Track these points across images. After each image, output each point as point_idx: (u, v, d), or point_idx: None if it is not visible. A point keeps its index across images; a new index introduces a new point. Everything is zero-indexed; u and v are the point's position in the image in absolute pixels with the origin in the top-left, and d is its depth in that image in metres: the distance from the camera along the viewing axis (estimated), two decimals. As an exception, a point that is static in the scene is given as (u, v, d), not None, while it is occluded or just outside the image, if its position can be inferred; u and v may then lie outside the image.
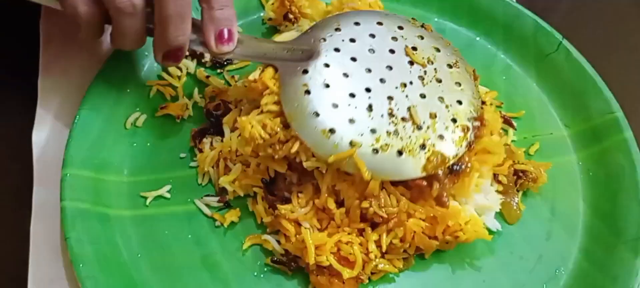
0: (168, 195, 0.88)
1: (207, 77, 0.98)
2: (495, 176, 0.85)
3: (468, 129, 0.78)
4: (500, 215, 0.86)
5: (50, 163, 0.91)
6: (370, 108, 0.77)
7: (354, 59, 0.80)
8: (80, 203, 0.83)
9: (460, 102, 0.79)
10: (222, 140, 0.90)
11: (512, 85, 0.99)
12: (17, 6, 1.06)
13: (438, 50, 0.83)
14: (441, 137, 0.77)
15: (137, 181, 0.89)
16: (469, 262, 0.83)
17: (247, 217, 0.86)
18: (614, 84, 0.94)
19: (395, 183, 0.79)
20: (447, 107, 0.78)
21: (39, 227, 0.86)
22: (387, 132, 0.76)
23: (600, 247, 0.83)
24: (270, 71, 0.83)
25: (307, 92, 0.78)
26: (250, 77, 0.85)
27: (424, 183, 0.77)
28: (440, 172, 0.77)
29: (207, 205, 0.87)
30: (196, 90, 0.97)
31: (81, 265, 0.78)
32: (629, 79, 1.05)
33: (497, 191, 0.85)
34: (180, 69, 0.99)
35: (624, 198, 0.85)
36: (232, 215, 0.85)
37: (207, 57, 1.01)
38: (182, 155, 0.92)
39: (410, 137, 0.76)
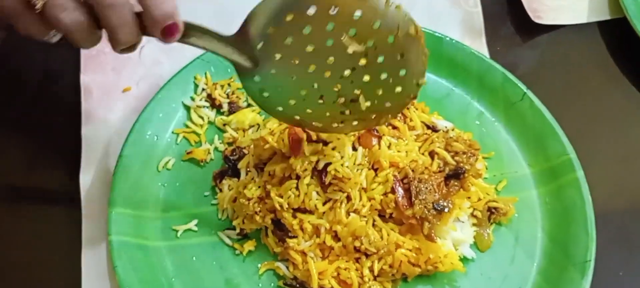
0: (195, 228, 1.04)
1: (224, 125, 1.15)
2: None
3: (415, 96, 0.83)
4: (474, 244, 1.01)
5: (96, 202, 1.07)
6: (323, 102, 0.83)
7: (297, 58, 0.77)
8: (123, 236, 0.99)
9: (404, 71, 0.78)
10: (238, 181, 1.06)
11: (484, 129, 1.13)
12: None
13: (378, 23, 0.73)
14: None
15: (170, 216, 1.05)
16: (447, 282, 0.98)
17: (262, 246, 1.01)
18: (571, 130, 1.08)
19: (387, 219, 0.96)
20: (391, 80, 0.79)
21: (89, 257, 1.03)
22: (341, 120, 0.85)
23: (554, 268, 0.97)
24: (269, 127, 1.01)
25: (263, 95, 0.83)
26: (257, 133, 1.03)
27: (415, 221, 0.93)
28: (428, 213, 0.93)
29: (228, 237, 1.02)
30: (216, 136, 1.14)
31: (127, 290, 0.94)
32: (585, 125, 1.18)
33: (473, 224, 1.01)
34: (203, 118, 1.16)
35: (575, 228, 0.99)
36: (249, 245, 1.00)
37: (225, 106, 1.17)
38: (206, 193, 1.08)
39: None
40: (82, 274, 1.01)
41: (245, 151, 1.08)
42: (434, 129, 1.02)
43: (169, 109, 1.15)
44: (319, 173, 0.95)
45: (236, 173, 1.07)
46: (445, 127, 1.06)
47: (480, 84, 1.18)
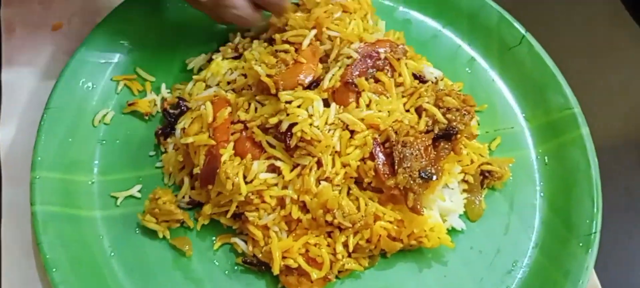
0: (139, 195, 0.89)
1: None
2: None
3: None
4: (464, 213, 0.89)
5: (19, 161, 0.90)
6: None
7: None
8: (50, 206, 0.83)
9: None
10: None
11: (475, 79, 1.00)
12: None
13: None
14: None
15: (107, 181, 0.89)
16: (432, 258, 0.86)
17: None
18: (576, 84, 0.96)
19: (365, 188, 0.82)
20: None
21: (10, 229, 0.87)
22: None
23: (555, 241, 0.86)
24: None
25: None
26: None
27: (398, 192, 0.80)
28: (413, 183, 0.79)
29: (178, 205, 0.87)
30: (164, 85, 0.97)
31: (54, 270, 0.79)
32: (591, 82, 1.06)
33: (463, 190, 0.89)
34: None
35: (578, 194, 0.88)
36: (203, 218, 0.86)
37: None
38: (151, 153, 0.92)
39: None
40: (1, 249, 0.86)
41: (188, 105, 0.92)
42: (422, 80, 0.91)
43: (107, 51, 0.97)
44: (283, 136, 0.79)
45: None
46: (434, 77, 0.92)
47: (472, 25, 1.03)
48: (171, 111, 0.92)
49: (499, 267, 0.86)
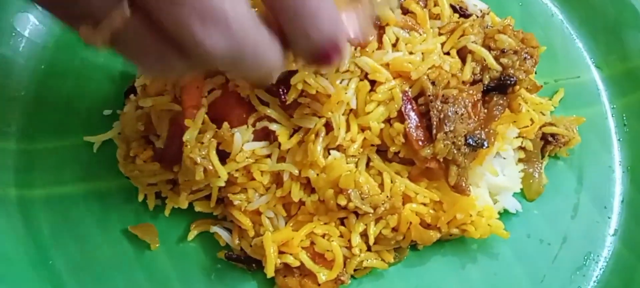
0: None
1: None
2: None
3: None
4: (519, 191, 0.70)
5: None
6: None
7: None
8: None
9: None
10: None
11: (529, 14, 0.80)
12: None
13: None
14: None
15: (43, 150, 0.71)
16: (478, 251, 0.67)
17: (192, 196, 0.69)
18: None
19: (391, 158, 0.63)
20: None
21: None
22: None
23: None
24: None
25: None
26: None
27: (436, 165, 0.60)
28: (457, 153, 0.58)
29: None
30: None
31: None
32: None
33: (519, 160, 0.70)
34: None
35: None
36: (173, 200, 0.65)
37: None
38: (107, 112, 0.73)
39: None
40: None
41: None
42: (464, 13, 0.71)
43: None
44: (277, 89, 0.58)
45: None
46: (479, 11, 0.72)
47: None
48: None
49: (566, 262, 0.68)
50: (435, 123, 0.60)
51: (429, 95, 0.61)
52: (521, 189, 0.70)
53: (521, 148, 0.70)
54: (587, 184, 0.72)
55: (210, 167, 0.58)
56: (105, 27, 0.40)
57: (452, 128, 0.60)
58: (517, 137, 0.68)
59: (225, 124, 0.60)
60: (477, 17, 0.71)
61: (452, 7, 0.71)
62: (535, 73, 0.73)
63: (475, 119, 0.61)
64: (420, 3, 0.67)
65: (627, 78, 0.75)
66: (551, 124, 0.70)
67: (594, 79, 0.77)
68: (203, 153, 0.59)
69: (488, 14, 0.73)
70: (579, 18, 0.80)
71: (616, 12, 0.78)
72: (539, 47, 0.71)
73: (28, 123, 0.71)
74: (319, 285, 0.63)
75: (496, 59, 0.64)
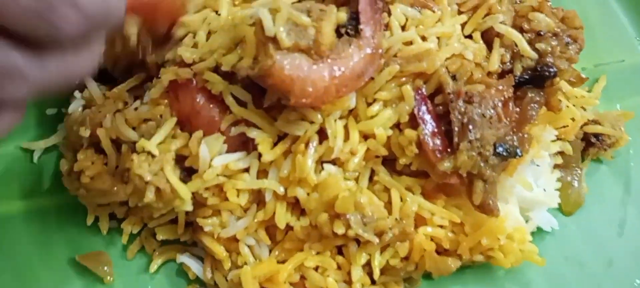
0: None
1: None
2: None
3: None
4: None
5: None
6: None
7: None
8: None
9: None
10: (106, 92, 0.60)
11: None
12: None
13: None
14: None
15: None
16: (506, 278, 0.58)
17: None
18: None
19: (401, 171, 0.53)
20: None
21: None
22: None
23: None
24: None
25: None
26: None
27: (457, 180, 0.50)
28: (484, 165, 0.47)
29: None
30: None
31: None
32: None
33: (556, 165, 0.60)
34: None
35: None
36: (131, 223, 0.54)
37: None
38: (50, 111, 0.63)
39: None
40: None
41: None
42: None
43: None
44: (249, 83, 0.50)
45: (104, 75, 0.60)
46: None
47: None
48: None
49: None
50: (456, 129, 0.50)
51: (449, 93, 0.51)
52: (559, 204, 0.59)
53: (559, 152, 0.58)
54: (636, 193, 0.64)
55: (165, 187, 0.47)
56: None
57: (478, 135, 0.49)
58: (555, 140, 0.57)
59: (196, 134, 0.49)
60: None
61: None
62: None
63: (507, 122, 0.50)
64: None
65: None
66: (595, 122, 0.61)
67: None
68: (155, 168, 0.47)
69: None
70: None
71: None
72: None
73: None
74: None
75: (530, 43, 0.55)
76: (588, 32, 0.65)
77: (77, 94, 0.62)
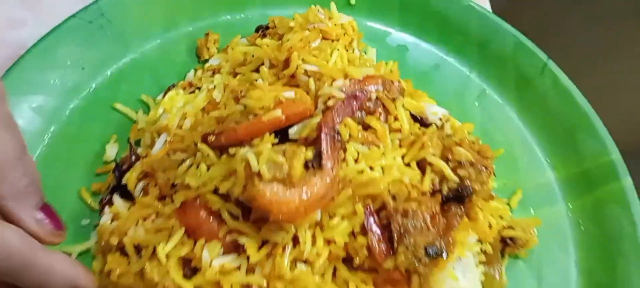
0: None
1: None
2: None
3: None
4: (479, 292, 0.71)
5: None
6: None
7: None
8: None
9: None
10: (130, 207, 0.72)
11: (488, 116, 0.83)
12: None
13: None
14: None
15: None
16: None
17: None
18: (609, 118, 0.79)
19: (357, 268, 0.64)
20: None
21: None
22: None
23: None
24: None
25: None
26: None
27: (398, 275, 0.63)
28: (418, 264, 0.61)
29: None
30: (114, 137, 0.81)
31: None
32: (626, 111, 0.88)
33: (480, 262, 0.71)
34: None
35: (625, 266, 0.70)
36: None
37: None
38: (84, 222, 0.74)
39: None
40: None
41: (142, 153, 0.77)
42: (423, 122, 0.74)
43: (35, 88, 0.80)
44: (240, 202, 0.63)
45: (127, 194, 0.73)
46: (439, 118, 0.75)
47: (483, 52, 0.86)
48: (121, 167, 0.74)
49: None
50: (396, 237, 0.62)
51: (390, 210, 0.63)
52: None
53: (483, 251, 0.71)
54: (546, 285, 0.72)
55: (170, 285, 0.60)
56: None
57: (412, 241, 0.62)
58: (476, 242, 0.70)
59: (200, 242, 0.64)
60: (437, 126, 0.73)
61: (412, 116, 0.73)
62: (494, 175, 0.76)
63: (435, 230, 0.63)
64: (381, 118, 0.69)
65: (582, 180, 0.77)
66: (510, 227, 0.72)
67: (551, 180, 0.79)
68: (164, 271, 0.61)
69: (448, 121, 0.75)
70: (534, 121, 0.83)
71: (568, 117, 0.80)
72: (498, 151, 0.75)
73: None
74: None
75: (454, 170, 0.67)
76: (509, 155, 0.80)
77: (106, 209, 0.75)
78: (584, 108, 0.79)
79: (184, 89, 0.80)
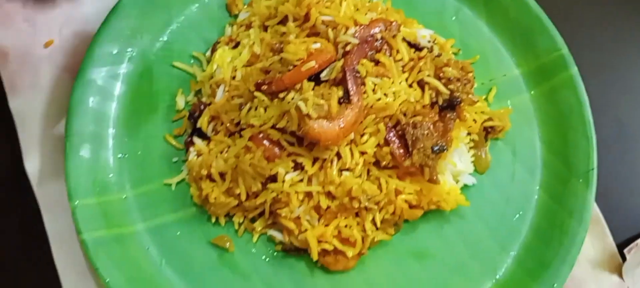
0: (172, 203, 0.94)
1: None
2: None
3: None
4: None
5: (51, 190, 0.95)
6: None
7: None
8: (95, 232, 0.89)
9: None
10: (207, 144, 0.94)
11: (464, 29, 1.03)
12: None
13: None
14: None
15: (139, 194, 0.94)
16: (450, 215, 0.93)
17: (252, 210, 0.93)
18: (559, 18, 0.99)
19: (383, 168, 0.88)
20: None
21: (60, 255, 0.92)
22: None
23: (557, 182, 0.93)
24: None
25: None
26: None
27: (414, 169, 0.86)
28: (427, 159, 0.85)
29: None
30: (181, 89, 1.01)
31: (116, 293, 0.86)
32: (573, 11, 1.09)
33: (470, 148, 0.94)
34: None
35: (574, 135, 0.94)
36: (238, 217, 0.93)
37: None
38: (174, 159, 0.96)
39: None
40: (59, 275, 0.92)
41: (206, 101, 0.96)
42: (417, 47, 0.94)
43: (110, 64, 0.98)
44: (293, 133, 0.86)
45: (202, 134, 0.95)
46: (428, 41, 0.95)
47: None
48: (194, 114, 0.95)
49: (509, 214, 0.94)
50: (410, 143, 0.85)
51: (403, 125, 0.86)
52: (474, 169, 0.94)
53: (472, 140, 0.94)
54: (519, 156, 0.95)
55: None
56: None
57: (422, 145, 0.85)
58: (466, 135, 0.92)
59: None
60: (428, 49, 0.93)
61: (407, 42, 0.93)
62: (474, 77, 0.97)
63: (437, 133, 0.87)
64: (387, 53, 0.90)
65: (540, 72, 0.98)
66: (489, 119, 0.94)
67: (516, 75, 0.99)
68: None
69: (435, 41, 0.96)
70: (500, 29, 1.01)
71: (527, 22, 0.99)
72: (474, 58, 0.97)
73: (126, 177, 0.94)
74: (348, 258, 0.88)
75: (445, 85, 0.88)
76: (483, 59, 0.99)
77: (191, 148, 0.94)
78: (537, 13, 0.98)
79: (227, 44, 1.00)
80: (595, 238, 0.93)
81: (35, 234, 0.93)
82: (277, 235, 0.91)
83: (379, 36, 0.90)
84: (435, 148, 0.86)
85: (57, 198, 0.94)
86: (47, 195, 0.95)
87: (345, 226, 0.89)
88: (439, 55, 0.93)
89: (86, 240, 0.88)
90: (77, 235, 0.89)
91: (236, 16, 1.05)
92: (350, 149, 0.87)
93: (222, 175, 0.91)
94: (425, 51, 0.93)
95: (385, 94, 0.88)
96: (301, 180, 0.88)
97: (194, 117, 0.96)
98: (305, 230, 0.89)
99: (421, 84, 0.91)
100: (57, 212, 0.94)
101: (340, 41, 0.89)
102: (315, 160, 0.88)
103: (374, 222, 0.89)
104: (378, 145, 0.87)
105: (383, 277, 0.91)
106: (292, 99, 0.86)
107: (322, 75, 0.88)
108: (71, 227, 0.91)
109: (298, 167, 0.88)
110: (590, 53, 1.06)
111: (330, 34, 0.91)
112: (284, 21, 0.97)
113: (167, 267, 0.90)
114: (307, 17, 0.93)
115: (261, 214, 0.92)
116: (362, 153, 0.87)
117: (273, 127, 0.88)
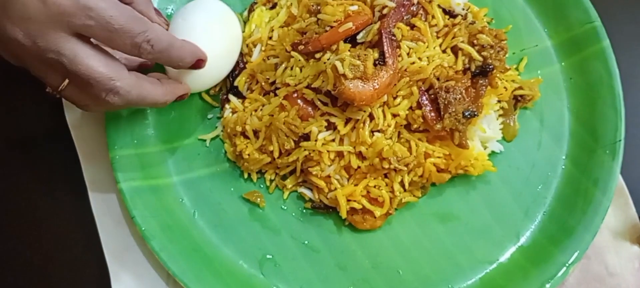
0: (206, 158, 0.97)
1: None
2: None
3: None
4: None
5: (89, 140, 0.98)
6: None
7: None
8: (133, 181, 0.92)
9: None
10: (242, 102, 0.97)
11: (498, 0, 1.03)
12: None
13: None
14: None
15: (175, 148, 0.97)
16: (476, 180, 0.95)
17: (283, 168, 0.96)
18: None
19: (414, 131, 0.91)
20: None
21: (97, 203, 0.96)
22: None
23: (583, 152, 0.95)
24: None
25: None
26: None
27: (445, 133, 0.89)
28: (458, 124, 0.87)
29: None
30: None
31: (152, 241, 0.89)
32: None
33: (499, 115, 0.96)
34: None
35: (602, 106, 0.95)
36: (270, 174, 0.95)
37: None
38: (209, 116, 0.99)
39: None
40: (96, 221, 0.95)
41: (245, 60, 0.98)
42: (452, 14, 0.95)
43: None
44: (328, 93, 0.88)
45: (238, 93, 0.98)
46: (462, 8, 0.96)
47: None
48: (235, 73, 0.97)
49: (534, 181, 0.95)
50: (442, 107, 0.86)
51: (436, 88, 0.87)
52: (502, 136, 0.96)
53: (501, 107, 0.95)
54: (546, 125, 0.96)
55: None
56: (56, 89, 0.75)
57: (454, 109, 0.86)
58: (496, 102, 0.94)
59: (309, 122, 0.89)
60: (462, 16, 0.94)
61: (442, 9, 0.94)
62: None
63: (469, 99, 0.87)
64: (422, 18, 0.91)
65: (571, 43, 0.98)
66: (520, 88, 0.94)
67: (548, 46, 1.00)
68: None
69: (469, 8, 0.96)
70: (534, 0, 1.01)
71: None
72: (507, 28, 0.97)
73: (163, 131, 0.96)
74: (376, 217, 0.90)
75: (478, 52, 0.89)
76: (516, 29, 0.99)
77: (227, 105, 0.96)
78: (570, -15, 0.98)
79: (264, 4, 1.02)
80: (617, 209, 0.95)
81: (76, 182, 0.96)
82: (307, 193, 0.94)
83: (415, 1, 0.92)
84: (467, 113, 0.88)
85: (94, 148, 0.97)
86: (84, 144, 0.98)
87: (374, 186, 0.91)
88: (473, 23, 0.94)
89: (123, 188, 0.91)
90: (116, 183, 0.92)
91: (271, -23, 1.06)
92: (383, 111, 0.89)
93: (255, 133, 0.93)
94: (459, 18, 0.94)
95: (419, 58, 0.89)
96: (333, 140, 0.90)
97: (232, 75, 0.98)
98: (335, 188, 0.91)
99: (454, 50, 0.92)
100: (93, 161, 0.97)
101: (377, 4, 0.91)
102: (347, 121, 0.90)
103: (402, 183, 0.91)
104: (410, 108, 0.89)
105: (408, 237, 0.93)
106: (328, 59, 0.88)
107: (359, 37, 0.89)
108: (109, 175, 0.94)
109: (331, 126, 0.90)
110: (622, 26, 1.06)
111: (366, -3, 0.92)
112: (319, -18, 0.98)
113: (200, 218, 0.94)
114: (344, -21, 0.94)
115: (292, 172, 0.94)
116: (395, 115, 0.89)
117: (308, 86, 0.90)
